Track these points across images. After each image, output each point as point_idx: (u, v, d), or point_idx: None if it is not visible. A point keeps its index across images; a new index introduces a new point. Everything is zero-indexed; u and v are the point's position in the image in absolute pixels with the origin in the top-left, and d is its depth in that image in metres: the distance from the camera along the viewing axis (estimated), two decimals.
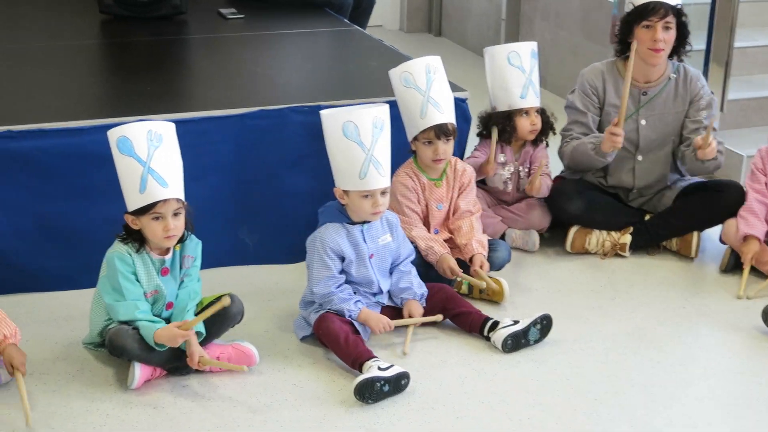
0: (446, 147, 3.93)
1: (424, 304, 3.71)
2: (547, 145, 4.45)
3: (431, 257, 3.88)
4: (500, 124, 4.31)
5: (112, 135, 3.31)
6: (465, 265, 3.92)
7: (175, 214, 3.32)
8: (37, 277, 3.90)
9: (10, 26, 5.37)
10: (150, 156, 3.28)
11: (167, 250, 3.42)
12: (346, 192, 3.55)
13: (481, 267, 3.88)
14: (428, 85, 3.91)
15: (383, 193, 3.56)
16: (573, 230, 4.36)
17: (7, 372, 3.33)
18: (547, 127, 4.40)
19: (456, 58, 7.11)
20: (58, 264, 3.91)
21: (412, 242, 3.82)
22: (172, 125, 3.40)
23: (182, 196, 3.35)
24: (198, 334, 3.36)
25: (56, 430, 3.14)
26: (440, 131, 3.90)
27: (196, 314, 3.41)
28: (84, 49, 5.08)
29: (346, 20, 5.72)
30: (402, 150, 3.96)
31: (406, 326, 3.65)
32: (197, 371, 3.39)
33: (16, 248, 3.84)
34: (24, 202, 3.82)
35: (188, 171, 3.43)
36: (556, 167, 4.54)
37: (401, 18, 8.24)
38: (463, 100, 4.31)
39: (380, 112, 3.56)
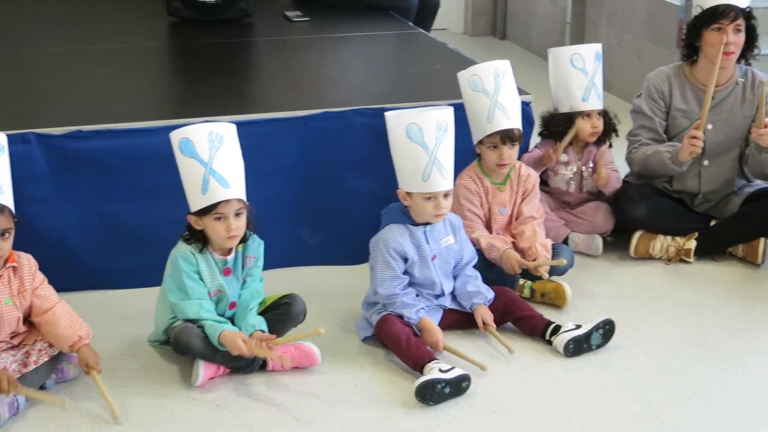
0: (511, 152, 3.92)
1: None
2: (611, 146, 4.41)
3: (494, 254, 3.86)
4: (561, 126, 4.29)
5: (174, 137, 3.35)
6: (526, 272, 3.90)
7: (237, 215, 3.35)
8: (104, 274, 3.96)
9: (80, 28, 5.45)
10: (211, 157, 3.32)
11: (230, 251, 3.45)
12: (409, 194, 3.56)
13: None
14: (496, 90, 3.89)
15: (446, 195, 3.56)
16: (637, 235, 4.32)
17: (76, 368, 3.39)
18: (609, 129, 4.37)
19: (520, 61, 7.06)
20: (124, 262, 3.96)
21: (474, 244, 3.81)
22: (233, 126, 3.43)
23: (244, 197, 3.37)
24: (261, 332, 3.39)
25: (122, 425, 3.18)
26: (506, 136, 3.89)
27: (260, 314, 3.45)
28: (152, 52, 5.14)
29: (410, 23, 5.72)
30: (466, 153, 3.96)
31: (487, 334, 3.64)
32: (261, 369, 3.42)
33: (84, 246, 3.91)
34: (91, 201, 3.88)
35: (252, 172, 3.46)
36: (621, 170, 4.50)
37: (465, 21, 8.23)
38: (527, 103, 4.30)
39: (444, 114, 3.56)
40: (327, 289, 4.04)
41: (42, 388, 3.31)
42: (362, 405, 3.30)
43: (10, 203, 3.27)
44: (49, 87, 4.50)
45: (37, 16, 5.65)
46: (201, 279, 3.40)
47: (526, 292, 3.93)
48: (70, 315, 3.33)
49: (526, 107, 4.25)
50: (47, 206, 3.82)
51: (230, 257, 3.45)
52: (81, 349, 3.27)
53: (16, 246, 3.35)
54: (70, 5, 5.91)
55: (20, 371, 3.23)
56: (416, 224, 3.60)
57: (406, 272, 3.60)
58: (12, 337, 3.31)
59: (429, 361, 3.37)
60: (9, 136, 3.68)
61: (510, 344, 3.57)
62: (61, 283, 3.28)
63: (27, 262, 3.34)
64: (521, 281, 3.92)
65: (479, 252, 3.84)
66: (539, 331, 3.64)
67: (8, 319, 3.28)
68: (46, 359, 3.27)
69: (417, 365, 3.39)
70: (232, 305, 3.48)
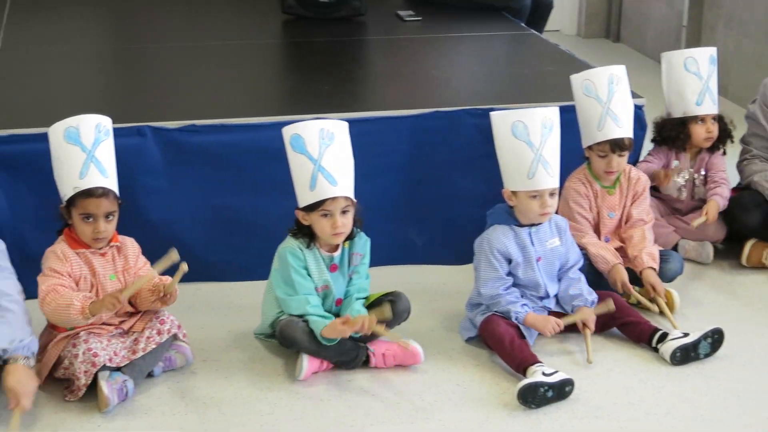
0: (620, 160, 3.85)
1: None
2: (725, 153, 4.31)
3: (602, 265, 3.80)
4: (674, 132, 4.20)
5: (286, 132, 3.38)
6: (635, 275, 3.83)
7: (344, 212, 3.37)
8: (214, 267, 4.01)
9: (198, 26, 5.54)
10: (321, 154, 3.34)
11: (336, 247, 3.46)
12: (514, 193, 3.53)
13: (654, 289, 3.77)
14: (609, 97, 3.83)
15: (552, 194, 3.52)
16: (749, 243, 4.22)
17: (183, 357, 3.44)
18: (724, 135, 4.26)
19: (634, 64, 6.90)
20: (234, 255, 4.01)
21: (581, 249, 3.76)
22: (345, 124, 3.44)
23: (351, 195, 3.38)
24: None
25: (226, 415, 3.22)
26: (615, 145, 3.82)
27: (366, 306, 3.46)
28: (266, 48, 5.20)
29: (523, 24, 5.68)
30: (574, 155, 3.90)
31: (582, 335, 3.58)
32: (364, 365, 3.43)
33: (196, 238, 3.96)
34: (204, 194, 3.94)
35: (360, 170, 3.47)
36: (734, 178, 4.39)
37: (579, 23, 8.14)
38: (640, 107, 4.23)
39: (550, 112, 3.53)
40: (431, 288, 4.03)
41: (150, 375, 3.38)
42: (463, 405, 3.28)
43: (115, 187, 3.34)
44: (166, 82, 4.59)
45: (157, 14, 5.77)
46: (308, 275, 3.42)
47: (633, 299, 3.85)
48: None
49: (638, 111, 4.18)
50: (161, 198, 3.89)
51: (337, 254, 3.46)
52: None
53: (130, 235, 3.44)
54: (190, 3, 6.01)
55: (129, 357, 3.29)
56: (521, 225, 3.57)
57: (510, 273, 3.57)
58: (121, 322, 3.39)
59: (532, 364, 3.34)
60: (125, 129, 3.79)
61: (592, 354, 3.51)
62: (172, 274, 3.33)
63: (131, 243, 3.42)
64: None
65: (586, 257, 3.79)
66: (646, 338, 3.58)
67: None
68: (154, 346, 3.33)
69: (520, 367, 3.36)
70: (338, 301, 3.49)
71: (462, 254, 4.03)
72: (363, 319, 3.29)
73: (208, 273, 4.00)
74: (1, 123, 3.83)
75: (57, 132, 3.30)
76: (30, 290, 3.38)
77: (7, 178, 3.73)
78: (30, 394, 3.09)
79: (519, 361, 3.38)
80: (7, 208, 3.72)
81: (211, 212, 3.97)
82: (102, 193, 3.28)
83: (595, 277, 3.78)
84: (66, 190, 3.30)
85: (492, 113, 3.58)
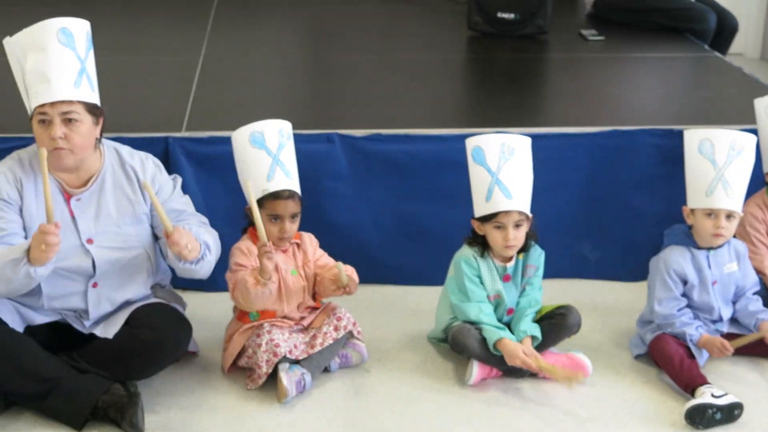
0: None
1: None
2: None
3: None
4: None
5: (469, 144, 3.40)
6: None
7: (517, 226, 3.35)
8: (392, 270, 4.05)
9: (387, 39, 5.62)
10: (499, 168, 3.34)
11: (510, 258, 3.46)
12: (692, 211, 3.44)
13: None
14: None
15: (729, 216, 3.41)
16: None
17: (359, 354, 3.50)
18: None
19: None
20: (411, 260, 4.05)
21: (759, 274, 3.63)
22: (528, 140, 3.43)
23: (526, 209, 3.37)
24: (534, 339, 3.39)
25: (396, 414, 3.25)
26: None
27: (535, 322, 3.43)
28: (451, 63, 5.22)
29: (706, 46, 5.53)
30: (755, 180, 3.78)
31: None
32: (532, 375, 3.41)
33: (377, 242, 4.02)
34: (386, 201, 3.99)
35: (538, 184, 3.45)
36: None
37: (764, 46, 7.86)
38: None
39: (742, 137, 3.43)
40: (603, 303, 3.97)
41: (326, 370, 3.44)
42: (629, 422, 3.22)
43: (298, 189, 3.41)
44: (355, 92, 4.67)
45: (350, 27, 5.87)
46: (481, 283, 3.43)
47: None
48: None
49: None
50: (345, 202, 3.96)
51: (510, 264, 3.46)
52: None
53: (317, 235, 3.51)
54: (381, 17, 6.09)
55: (307, 351, 3.37)
56: (699, 248, 3.47)
57: (684, 294, 3.48)
58: (301, 319, 3.46)
59: (701, 385, 3.25)
60: (315, 135, 3.88)
61: None
62: None
63: (309, 239, 3.49)
64: None
65: (762, 282, 3.66)
66: None
67: (295, 288, 3.43)
68: (331, 342, 3.39)
69: (689, 387, 3.28)
70: (510, 311, 3.48)
71: (635, 272, 3.96)
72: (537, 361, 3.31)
73: (386, 276, 4.05)
74: (200, 125, 3.98)
75: (242, 136, 3.38)
76: (220, 283, 3.50)
77: (205, 176, 3.87)
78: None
79: (688, 380, 3.29)
80: (203, 204, 3.85)
81: (391, 218, 4.02)
82: (288, 195, 3.37)
83: None
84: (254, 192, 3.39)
85: (686, 130, 3.52)
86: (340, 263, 3.32)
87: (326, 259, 3.51)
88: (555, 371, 3.33)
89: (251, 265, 3.35)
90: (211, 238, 3.32)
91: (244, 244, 3.42)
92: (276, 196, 3.35)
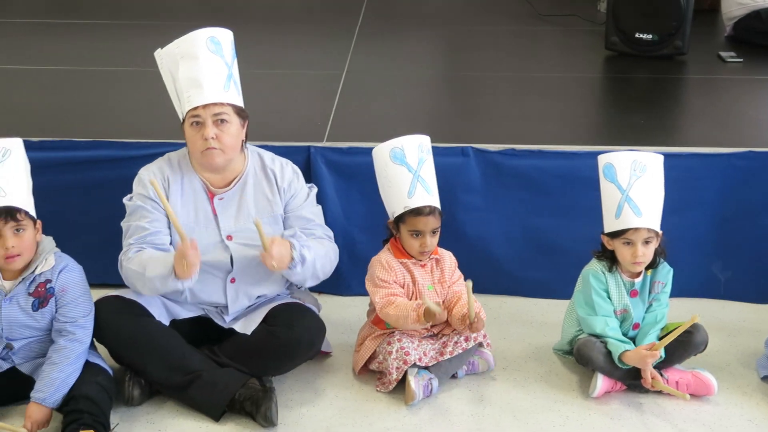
0: None
1: None
2: None
3: None
4: None
5: (601, 160, 3.37)
6: None
7: (646, 242, 3.32)
8: (520, 282, 4.05)
9: (523, 57, 5.61)
10: (630, 185, 3.30)
11: (638, 274, 3.41)
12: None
13: None
14: None
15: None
16: None
17: (485, 362, 3.50)
18: None
19: None
20: (540, 273, 4.03)
21: None
22: (660, 158, 3.39)
23: (656, 226, 3.32)
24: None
25: (520, 421, 3.25)
26: None
27: (660, 338, 3.38)
28: (586, 82, 5.18)
29: None
30: None
31: None
32: (655, 392, 3.36)
33: (507, 254, 4.02)
34: (517, 214, 3.99)
35: (669, 203, 3.41)
36: None
37: None
38: None
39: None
40: (731, 323, 3.88)
41: (453, 376, 3.46)
42: None
43: (437, 203, 3.43)
44: (491, 107, 4.68)
45: (488, 44, 5.89)
46: (609, 297, 3.40)
47: None
48: None
49: None
50: (477, 214, 3.97)
51: (638, 280, 3.41)
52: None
53: (447, 246, 3.54)
54: (520, 36, 6.09)
55: (436, 358, 3.39)
56: None
57: None
58: (432, 326, 3.48)
59: None
60: (451, 149, 3.91)
61: None
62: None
63: (449, 258, 3.50)
64: None
65: None
66: None
67: None
68: (460, 351, 3.41)
69: None
70: (636, 326, 3.44)
71: (765, 293, 3.86)
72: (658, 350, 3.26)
73: (515, 288, 4.05)
74: (341, 136, 4.06)
75: (383, 153, 3.42)
76: (354, 288, 3.55)
77: (344, 185, 3.94)
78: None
79: None
80: (341, 212, 3.93)
81: (522, 231, 4.01)
82: (429, 211, 3.39)
83: None
84: (395, 208, 3.41)
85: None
86: (472, 303, 3.29)
87: (460, 286, 3.50)
88: (672, 392, 3.29)
89: (392, 280, 3.39)
90: (313, 253, 3.34)
91: (384, 256, 3.46)
92: (417, 212, 3.37)
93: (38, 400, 3.08)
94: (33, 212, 3.19)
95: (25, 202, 3.17)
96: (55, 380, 3.09)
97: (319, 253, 3.36)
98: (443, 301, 3.45)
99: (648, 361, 3.25)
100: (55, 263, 3.21)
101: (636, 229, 3.30)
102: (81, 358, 3.17)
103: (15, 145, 3.21)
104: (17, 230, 3.12)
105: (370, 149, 3.50)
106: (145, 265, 3.22)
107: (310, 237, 3.39)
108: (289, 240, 3.30)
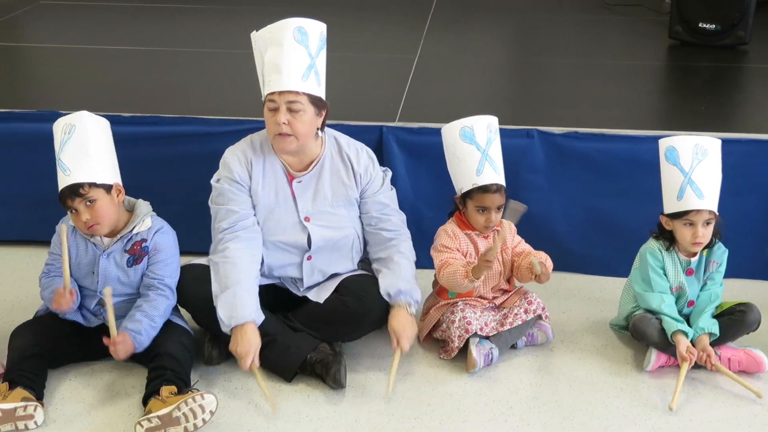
0: None
1: None
2: None
3: None
4: None
5: (663, 144, 3.34)
6: None
7: (706, 224, 3.29)
8: (580, 260, 4.04)
9: (588, 44, 5.57)
10: (692, 168, 3.27)
11: (694, 253, 3.38)
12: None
13: None
14: None
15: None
16: None
17: (544, 334, 3.49)
18: None
19: None
20: (599, 252, 4.02)
21: None
22: (718, 142, 3.35)
23: (715, 208, 3.29)
24: (711, 335, 3.30)
25: (575, 391, 3.26)
26: None
27: (715, 317, 3.34)
28: (649, 69, 5.12)
29: None
30: None
31: None
32: (704, 368, 3.32)
33: (567, 233, 4.01)
34: (578, 195, 3.97)
35: (727, 186, 3.37)
36: None
37: None
38: None
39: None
40: None
41: (513, 347, 3.46)
42: None
43: (503, 181, 3.42)
44: (555, 92, 4.65)
45: (555, 31, 5.84)
46: (665, 275, 3.37)
47: None
48: None
49: None
50: (540, 194, 3.96)
51: (694, 259, 3.38)
52: None
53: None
54: (584, 24, 6.03)
55: (497, 329, 3.40)
56: None
57: None
58: (494, 298, 3.49)
59: None
60: (516, 130, 3.90)
61: None
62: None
63: (508, 226, 3.46)
64: None
65: None
66: None
67: (492, 272, 3.46)
68: (520, 323, 3.41)
69: None
70: (690, 303, 3.41)
71: None
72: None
73: (574, 265, 4.04)
74: (412, 117, 4.07)
75: (453, 131, 3.43)
76: (421, 260, 3.57)
77: (413, 163, 3.95)
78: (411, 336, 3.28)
79: None
80: (410, 189, 3.94)
81: (583, 211, 3.99)
82: (496, 188, 3.39)
83: None
84: (463, 184, 3.42)
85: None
86: (533, 257, 3.31)
87: (523, 245, 3.52)
88: (730, 375, 3.26)
89: (455, 248, 3.40)
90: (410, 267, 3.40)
91: (450, 226, 3.48)
92: (485, 189, 3.38)
93: (131, 331, 3.16)
94: (102, 180, 3.22)
95: (91, 173, 3.20)
96: (142, 321, 3.18)
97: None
98: (511, 267, 3.47)
99: (684, 355, 3.23)
100: (151, 225, 3.30)
101: (698, 211, 3.27)
102: (166, 314, 3.25)
103: (79, 119, 3.24)
104: (89, 203, 3.19)
105: (440, 129, 3.50)
106: (223, 288, 3.22)
107: (382, 230, 3.43)
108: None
